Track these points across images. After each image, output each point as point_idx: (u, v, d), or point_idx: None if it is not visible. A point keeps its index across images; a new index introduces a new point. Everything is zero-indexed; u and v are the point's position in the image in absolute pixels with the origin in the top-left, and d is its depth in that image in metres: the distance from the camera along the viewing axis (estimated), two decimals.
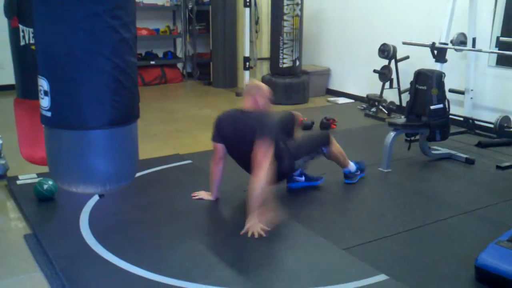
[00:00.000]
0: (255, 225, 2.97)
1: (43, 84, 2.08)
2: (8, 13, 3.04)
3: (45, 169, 3.65)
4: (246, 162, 3.20)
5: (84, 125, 2.05)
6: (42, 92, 2.10)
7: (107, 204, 3.35)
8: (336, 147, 3.64)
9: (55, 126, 2.11)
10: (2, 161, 3.75)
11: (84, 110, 2.03)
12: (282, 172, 3.40)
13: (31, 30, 3.05)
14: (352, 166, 3.77)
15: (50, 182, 3.40)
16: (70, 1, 1.94)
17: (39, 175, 3.68)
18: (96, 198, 3.40)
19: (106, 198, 3.36)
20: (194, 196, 3.46)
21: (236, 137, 3.24)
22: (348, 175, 3.77)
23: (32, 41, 3.10)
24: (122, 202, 3.39)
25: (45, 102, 2.09)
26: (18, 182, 3.66)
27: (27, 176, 3.71)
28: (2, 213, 3.36)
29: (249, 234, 2.94)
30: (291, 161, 3.44)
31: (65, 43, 1.98)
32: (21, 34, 3.08)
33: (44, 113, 2.12)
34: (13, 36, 3.12)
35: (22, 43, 3.09)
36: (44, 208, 3.32)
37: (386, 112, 5.91)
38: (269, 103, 3.30)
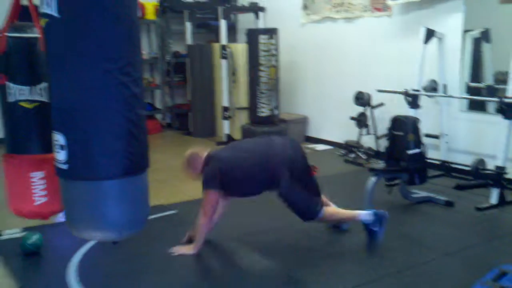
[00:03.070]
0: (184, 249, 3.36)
1: (59, 139, 2.16)
2: None
3: (30, 223, 3.67)
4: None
5: (99, 176, 2.16)
6: (58, 146, 2.18)
7: (94, 257, 3.35)
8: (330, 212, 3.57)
9: (71, 178, 2.19)
10: None
11: (99, 162, 2.13)
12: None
13: (18, 87, 3.12)
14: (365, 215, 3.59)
15: (36, 236, 3.38)
16: (85, 61, 2.05)
17: (23, 229, 3.65)
18: (82, 251, 3.39)
19: (92, 250, 3.41)
20: (174, 253, 3.37)
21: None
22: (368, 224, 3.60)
23: (19, 98, 3.17)
24: (109, 254, 3.38)
25: (61, 155, 2.17)
26: (3, 237, 3.62)
27: (12, 231, 3.67)
28: None
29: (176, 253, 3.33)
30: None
31: (80, 100, 2.09)
32: (9, 91, 3.14)
33: (61, 166, 2.20)
34: (1, 93, 3.17)
35: (10, 99, 3.15)
36: (30, 263, 3.29)
37: (365, 157, 6.04)
38: (193, 166, 3.42)
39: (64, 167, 2.18)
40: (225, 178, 3.29)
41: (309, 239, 3.66)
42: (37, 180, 3.41)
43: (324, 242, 3.66)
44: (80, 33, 2.06)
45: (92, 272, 3.16)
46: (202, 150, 3.46)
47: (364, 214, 3.58)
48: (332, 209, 3.64)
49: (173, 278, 3.11)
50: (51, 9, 2.06)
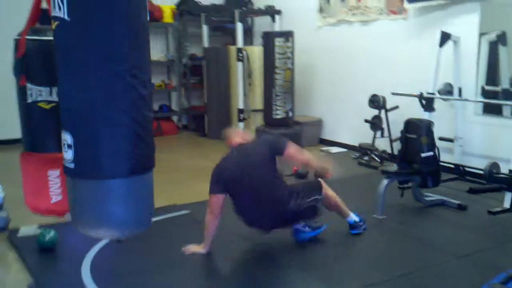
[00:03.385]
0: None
1: (67, 138, 2.21)
2: (17, 72, 3.20)
3: (46, 220, 3.75)
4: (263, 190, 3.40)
5: (104, 175, 2.18)
6: (65, 145, 2.23)
7: (107, 254, 3.42)
8: (330, 192, 3.66)
9: (78, 177, 2.23)
10: (4, 214, 3.80)
11: (105, 161, 2.16)
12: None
13: (38, 88, 3.21)
14: (354, 216, 3.78)
15: (52, 233, 3.46)
16: (93, 62, 2.10)
17: (40, 226, 3.72)
18: (96, 248, 3.46)
19: (106, 249, 3.47)
20: (185, 252, 3.41)
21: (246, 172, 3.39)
22: (353, 225, 3.77)
23: (38, 99, 3.25)
24: (122, 252, 3.44)
25: (68, 154, 2.22)
26: (19, 234, 3.70)
27: (28, 228, 3.75)
28: (4, 264, 3.40)
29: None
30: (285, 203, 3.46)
31: (88, 100, 2.13)
32: (29, 92, 3.23)
33: (68, 165, 2.24)
34: (21, 94, 3.27)
35: (29, 100, 3.24)
36: (45, 259, 3.38)
37: (379, 160, 6.03)
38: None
39: (71, 166, 2.23)
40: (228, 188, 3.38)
41: (316, 240, 3.68)
42: (54, 179, 3.49)
43: (333, 243, 3.68)
44: (89, 36, 2.11)
45: (105, 269, 3.24)
46: (236, 135, 3.61)
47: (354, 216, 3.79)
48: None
49: (184, 276, 3.17)
50: (62, 13, 2.12)
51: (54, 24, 2.21)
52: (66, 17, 2.12)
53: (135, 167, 2.24)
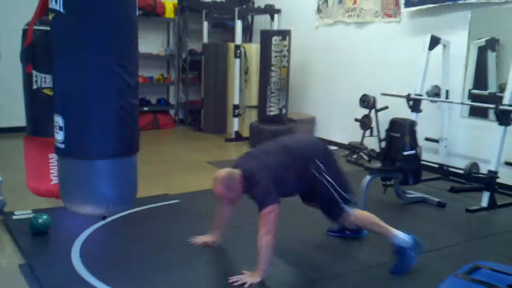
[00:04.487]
0: (248, 277, 2.98)
1: (59, 120, 2.41)
2: (24, 60, 3.37)
3: (40, 205, 3.92)
4: None
5: (91, 155, 2.38)
6: (57, 127, 2.43)
7: (98, 238, 3.58)
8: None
9: (67, 156, 2.43)
10: (0, 197, 3.97)
11: (92, 142, 2.38)
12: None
13: (43, 75, 3.38)
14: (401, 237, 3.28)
15: (45, 217, 3.62)
16: (84, 52, 2.31)
17: (34, 211, 3.89)
18: (87, 232, 3.62)
19: (97, 232, 3.63)
20: (194, 243, 3.40)
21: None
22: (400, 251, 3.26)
23: (43, 85, 3.43)
24: (112, 236, 3.62)
25: (59, 136, 2.42)
26: (14, 217, 3.87)
27: (23, 212, 3.92)
28: None
29: (239, 283, 2.94)
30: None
31: (78, 86, 2.35)
32: (34, 79, 3.41)
33: (58, 145, 2.44)
34: (27, 81, 3.45)
35: (34, 86, 3.42)
36: (38, 241, 3.53)
37: (367, 158, 6.19)
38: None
39: (62, 146, 2.44)
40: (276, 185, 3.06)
41: (301, 232, 3.84)
42: (54, 161, 3.65)
43: (313, 234, 3.85)
44: (81, 27, 2.32)
45: (95, 252, 3.39)
46: (231, 170, 3.10)
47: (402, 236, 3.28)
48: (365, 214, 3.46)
49: (172, 259, 3.31)
50: (58, 5, 2.32)
51: (51, 16, 2.41)
52: (61, 10, 2.32)
53: (120, 150, 2.44)
